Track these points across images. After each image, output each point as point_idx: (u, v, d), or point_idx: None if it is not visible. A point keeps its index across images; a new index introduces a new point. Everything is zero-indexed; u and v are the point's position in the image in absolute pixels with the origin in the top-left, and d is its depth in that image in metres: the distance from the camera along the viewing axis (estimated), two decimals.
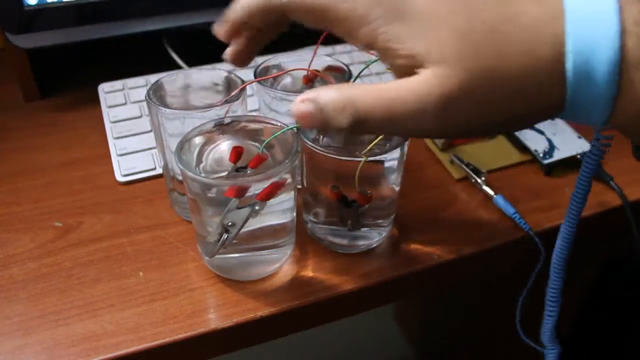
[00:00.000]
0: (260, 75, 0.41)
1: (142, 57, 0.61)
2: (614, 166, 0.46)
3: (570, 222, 0.34)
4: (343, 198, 0.36)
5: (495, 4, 0.24)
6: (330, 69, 0.43)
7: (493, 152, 0.49)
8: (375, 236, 0.40)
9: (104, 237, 0.41)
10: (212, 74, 0.41)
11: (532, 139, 0.49)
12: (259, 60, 0.41)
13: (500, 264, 0.46)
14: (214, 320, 0.35)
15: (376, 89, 0.26)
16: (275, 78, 0.42)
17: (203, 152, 0.35)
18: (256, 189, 0.32)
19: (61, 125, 0.53)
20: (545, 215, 0.43)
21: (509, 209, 0.42)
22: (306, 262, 0.39)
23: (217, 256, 0.36)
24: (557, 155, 0.47)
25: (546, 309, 0.38)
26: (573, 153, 0.47)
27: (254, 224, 0.35)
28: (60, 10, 0.51)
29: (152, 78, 0.54)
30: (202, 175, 0.34)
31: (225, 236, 0.34)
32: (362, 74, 0.36)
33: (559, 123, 0.51)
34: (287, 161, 0.33)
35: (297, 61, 0.43)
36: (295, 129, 0.35)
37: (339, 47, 0.59)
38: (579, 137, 0.49)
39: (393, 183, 0.39)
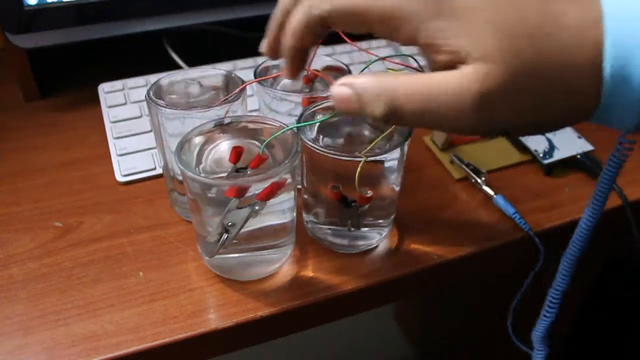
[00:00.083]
0: (260, 75, 0.41)
1: (142, 57, 0.61)
2: None
3: (588, 225, 0.34)
4: (343, 198, 0.36)
5: (537, 3, 0.24)
6: (330, 69, 0.43)
7: (493, 152, 0.49)
8: (375, 236, 0.40)
9: (104, 237, 0.41)
10: (212, 74, 0.41)
11: (532, 139, 0.49)
12: (259, 60, 0.41)
13: (500, 264, 0.46)
14: (214, 320, 0.35)
15: (415, 80, 0.26)
16: (275, 78, 0.42)
17: (203, 152, 0.35)
18: (256, 189, 0.32)
19: (61, 125, 0.53)
20: (545, 215, 0.43)
21: (509, 209, 0.42)
22: (306, 262, 0.39)
23: (217, 256, 0.36)
24: (557, 155, 0.47)
25: (544, 309, 0.38)
26: (573, 153, 0.47)
27: (254, 224, 0.35)
28: (60, 10, 0.51)
29: (152, 78, 0.54)
30: (202, 175, 0.34)
31: (225, 236, 0.34)
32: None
33: None
34: (287, 161, 0.33)
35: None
36: (295, 129, 0.35)
37: (339, 47, 0.59)
38: (579, 137, 0.49)
39: (393, 183, 0.39)
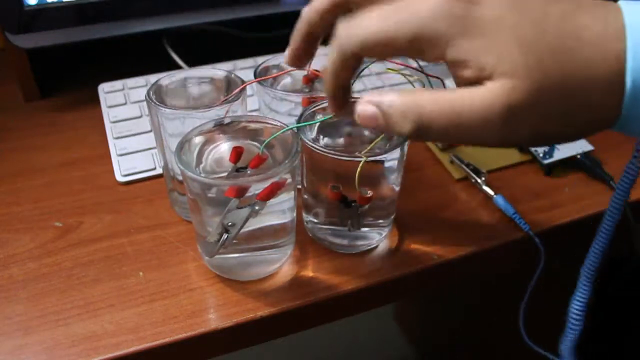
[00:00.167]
0: (260, 75, 0.41)
1: (142, 57, 0.61)
2: (614, 166, 0.46)
3: (606, 233, 0.34)
4: (343, 198, 0.36)
5: (559, 18, 0.25)
6: None
7: (493, 152, 0.49)
8: (375, 236, 0.40)
9: (104, 237, 0.41)
10: (212, 74, 0.41)
11: None
12: (259, 60, 0.41)
13: (500, 264, 0.46)
14: (214, 320, 0.35)
15: (441, 97, 0.26)
16: (275, 78, 0.42)
17: (203, 152, 0.35)
18: (256, 189, 0.32)
19: (61, 125, 0.53)
20: (545, 215, 0.43)
21: (509, 209, 0.42)
22: (306, 262, 0.39)
23: (217, 256, 0.36)
24: (557, 155, 0.47)
25: (570, 322, 0.37)
26: (573, 153, 0.47)
27: (254, 224, 0.35)
28: (60, 10, 0.51)
29: (152, 78, 0.54)
30: (202, 175, 0.34)
31: (225, 236, 0.34)
32: (362, 74, 0.36)
33: None
34: (287, 161, 0.33)
35: None
36: (295, 129, 0.35)
37: None
38: None
39: (393, 183, 0.39)
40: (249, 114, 0.42)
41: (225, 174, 0.35)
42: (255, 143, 0.36)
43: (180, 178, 0.38)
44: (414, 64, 0.35)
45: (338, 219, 0.38)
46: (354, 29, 0.27)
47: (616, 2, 0.26)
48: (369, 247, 0.40)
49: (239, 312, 0.36)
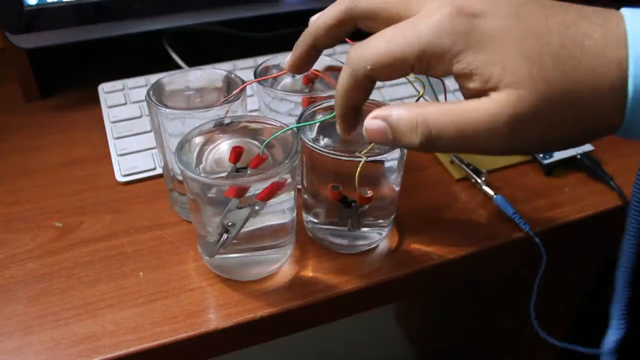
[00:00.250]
0: (260, 75, 0.41)
1: (142, 57, 0.61)
2: (614, 166, 0.46)
3: (634, 231, 0.34)
4: (343, 198, 0.36)
5: (561, 27, 0.26)
6: (330, 69, 0.43)
7: None
8: (375, 236, 0.40)
9: (104, 237, 0.41)
10: (212, 74, 0.41)
11: None
12: (259, 60, 0.41)
13: (500, 264, 0.46)
14: (214, 320, 0.35)
15: (448, 109, 0.27)
16: (275, 78, 0.42)
17: (203, 152, 0.35)
18: (256, 189, 0.32)
19: (61, 125, 0.53)
20: (545, 215, 0.43)
21: (509, 209, 0.42)
22: (306, 262, 0.39)
23: (217, 256, 0.36)
24: (557, 156, 0.47)
25: (615, 321, 0.38)
26: (573, 153, 0.47)
27: (254, 224, 0.35)
28: (60, 10, 0.51)
29: (152, 78, 0.54)
30: (202, 175, 0.34)
31: (225, 236, 0.34)
32: (370, 95, 0.36)
33: None
34: (287, 161, 0.33)
35: None
36: (295, 129, 0.35)
37: (339, 47, 0.59)
38: None
39: (393, 183, 0.39)
40: (249, 114, 0.42)
41: (225, 174, 0.35)
42: (256, 143, 0.36)
43: (180, 178, 0.38)
44: None
45: (338, 219, 0.38)
46: (365, 49, 0.28)
47: (618, 10, 0.26)
48: (369, 247, 0.40)
49: (239, 312, 0.36)
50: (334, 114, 0.34)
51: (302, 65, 0.35)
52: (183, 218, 0.43)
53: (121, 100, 0.53)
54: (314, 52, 0.34)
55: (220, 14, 0.57)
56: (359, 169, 0.33)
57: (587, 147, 0.48)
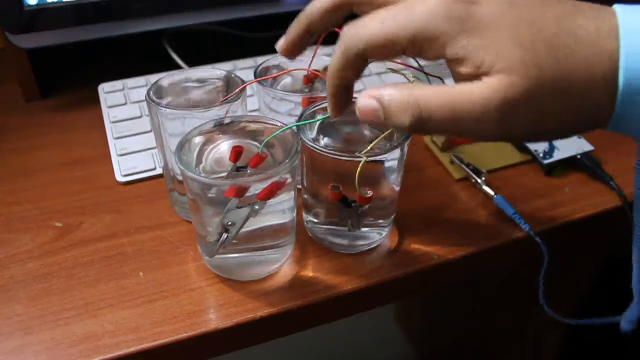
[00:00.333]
0: (260, 75, 0.41)
1: (142, 57, 0.61)
2: (614, 166, 0.46)
3: None
4: (343, 198, 0.36)
5: (555, 17, 0.26)
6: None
7: (493, 152, 0.49)
8: (375, 236, 0.40)
9: (104, 237, 0.41)
10: (212, 74, 0.41)
11: None
12: (259, 60, 0.41)
13: (500, 263, 0.46)
14: (214, 320, 0.35)
15: (440, 90, 0.27)
16: (275, 78, 0.42)
17: (203, 152, 0.35)
18: (256, 188, 0.32)
19: (61, 125, 0.53)
20: (545, 215, 0.43)
21: (509, 209, 0.42)
22: (306, 262, 0.39)
23: (217, 256, 0.36)
24: (557, 155, 0.47)
25: (636, 296, 0.38)
26: (573, 153, 0.47)
27: (254, 224, 0.35)
28: (60, 10, 0.51)
29: (152, 78, 0.54)
30: (202, 175, 0.34)
31: (225, 236, 0.34)
32: (362, 74, 0.36)
33: None
34: (287, 161, 0.33)
35: (297, 61, 0.43)
36: (295, 129, 0.35)
37: None
38: (579, 137, 0.49)
39: (393, 183, 0.39)
40: (249, 114, 0.42)
41: (225, 174, 0.35)
42: (255, 143, 0.36)
43: (180, 178, 0.38)
44: (414, 64, 0.35)
45: (338, 219, 0.38)
46: (359, 28, 0.28)
47: (611, 6, 0.26)
48: (369, 247, 0.40)
49: (239, 312, 0.36)
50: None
51: (295, 49, 0.34)
52: (183, 218, 0.43)
53: (121, 100, 0.53)
54: (307, 36, 0.34)
55: (220, 14, 0.57)
56: (359, 169, 0.33)
57: (587, 147, 0.48)
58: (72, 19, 0.52)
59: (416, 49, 0.27)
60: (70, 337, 0.34)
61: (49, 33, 0.52)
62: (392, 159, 0.36)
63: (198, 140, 0.35)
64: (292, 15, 0.34)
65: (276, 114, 0.41)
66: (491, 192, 0.44)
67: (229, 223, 0.34)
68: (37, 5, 0.50)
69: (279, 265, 0.39)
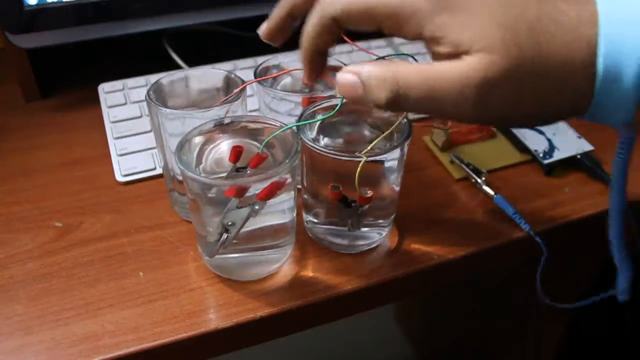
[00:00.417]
0: (260, 75, 0.41)
1: (142, 57, 0.61)
2: None
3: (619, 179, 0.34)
4: (343, 198, 0.36)
5: (537, 1, 0.26)
6: (330, 68, 0.43)
7: (493, 152, 0.49)
8: (375, 236, 0.40)
9: (104, 237, 0.41)
10: (212, 73, 0.41)
11: (532, 139, 0.49)
12: (259, 60, 0.41)
13: (501, 264, 0.46)
14: (214, 320, 0.35)
15: (418, 68, 0.27)
16: (275, 78, 0.42)
17: (203, 152, 0.35)
18: (256, 188, 0.32)
19: (61, 125, 0.53)
20: (545, 215, 0.43)
21: (509, 209, 0.42)
22: (306, 262, 0.39)
23: (217, 256, 0.36)
24: (557, 155, 0.47)
25: (620, 268, 0.37)
26: (573, 153, 0.47)
27: (254, 224, 0.35)
28: (60, 10, 0.51)
29: (152, 78, 0.54)
30: (202, 175, 0.34)
31: (225, 236, 0.34)
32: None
33: (559, 123, 0.51)
34: (287, 161, 0.33)
35: (297, 61, 0.42)
36: (295, 128, 0.35)
37: (339, 47, 0.59)
38: (579, 137, 0.49)
39: (393, 183, 0.39)
40: (249, 114, 0.42)
41: (225, 174, 0.35)
42: (255, 144, 0.36)
43: (180, 178, 0.38)
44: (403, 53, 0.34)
45: (338, 219, 0.38)
46: None
47: None
48: (369, 247, 0.40)
49: (239, 312, 0.36)
50: (333, 112, 0.34)
51: (278, 33, 0.34)
52: (183, 218, 0.43)
53: (121, 100, 0.53)
54: (290, 20, 0.33)
55: (220, 14, 0.57)
56: (359, 169, 0.33)
57: (587, 147, 0.48)
58: (72, 19, 0.52)
59: (394, 25, 0.27)
60: (70, 337, 0.34)
61: (49, 33, 0.52)
62: (392, 159, 0.36)
63: (198, 140, 0.35)
64: None
65: (276, 114, 0.41)
66: (491, 192, 0.44)
67: (229, 223, 0.34)
68: (37, 5, 0.50)
69: (279, 265, 0.39)
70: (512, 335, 0.80)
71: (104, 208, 0.44)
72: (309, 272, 0.39)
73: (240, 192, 0.32)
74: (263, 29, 0.34)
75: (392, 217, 0.41)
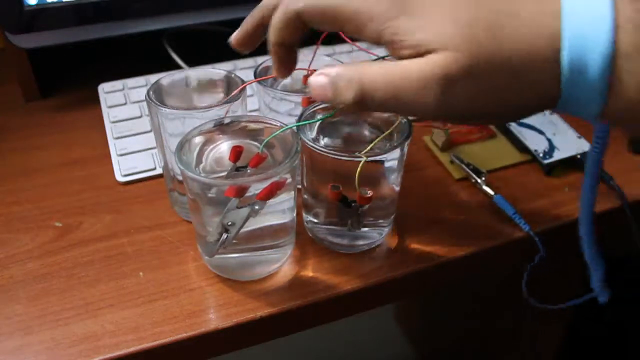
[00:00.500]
0: (260, 75, 0.41)
1: (142, 57, 0.61)
2: (614, 166, 0.46)
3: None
4: (343, 198, 0.36)
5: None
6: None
7: (493, 152, 0.49)
8: (375, 236, 0.40)
9: (104, 237, 0.41)
10: (212, 74, 0.41)
11: (532, 139, 0.49)
12: (259, 60, 0.41)
13: (500, 264, 0.46)
14: (214, 320, 0.35)
15: (383, 67, 0.27)
16: (275, 78, 0.42)
17: (203, 152, 0.35)
18: (256, 188, 0.32)
19: (61, 125, 0.53)
20: (545, 215, 0.43)
21: (509, 209, 0.42)
22: (306, 262, 0.39)
23: (217, 256, 0.36)
24: (557, 155, 0.47)
25: (591, 265, 0.38)
26: (573, 153, 0.47)
27: (254, 224, 0.35)
28: (60, 10, 0.51)
29: (152, 78, 0.54)
30: (202, 175, 0.34)
31: (225, 236, 0.34)
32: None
33: (559, 123, 0.51)
34: (287, 161, 0.33)
35: (298, 61, 0.43)
36: (295, 128, 0.35)
37: (338, 47, 0.59)
38: (579, 137, 0.49)
39: (393, 183, 0.39)
40: (249, 114, 0.42)
41: (225, 174, 0.35)
42: (255, 144, 0.36)
43: (180, 178, 0.38)
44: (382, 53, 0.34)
45: (338, 219, 0.38)
46: None
47: None
48: (369, 247, 0.40)
49: (239, 312, 0.36)
50: (333, 112, 0.34)
51: (248, 41, 0.35)
52: (183, 218, 0.43)
53: (121, 100, 0.53)
54: (261, 29, 0.34)
55: (220, 14, 0.57)
56: (359, 169, 0.33)
57: (587, 147, 0.48)
58: (72, 19, 0.52)
59: (354, 27, 0.28)
60: (70, 337, 0.34)
61: (49, 33, 0.52)
62: (392, 159, 0.36)
63: (198, 140, 0.35)
64: None
65: (276, 114, 0.41)
66: (491, 192, 0.44)
67: (229, 223, 0.34)
68: (37, 5, 0.50)
69: (279, 265, 0.39)
70: (512, 335, 0.80)
71: (104, 208, 0.44)
72: (309, 272, 0.39)
73: (240, 192, 0.32)
74: (233, 37, 0.35)
75: (392, 217, 0.41)
